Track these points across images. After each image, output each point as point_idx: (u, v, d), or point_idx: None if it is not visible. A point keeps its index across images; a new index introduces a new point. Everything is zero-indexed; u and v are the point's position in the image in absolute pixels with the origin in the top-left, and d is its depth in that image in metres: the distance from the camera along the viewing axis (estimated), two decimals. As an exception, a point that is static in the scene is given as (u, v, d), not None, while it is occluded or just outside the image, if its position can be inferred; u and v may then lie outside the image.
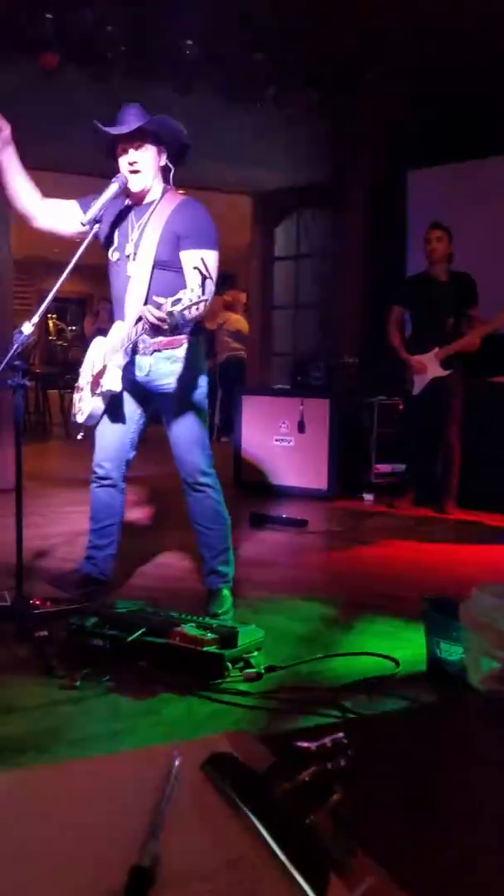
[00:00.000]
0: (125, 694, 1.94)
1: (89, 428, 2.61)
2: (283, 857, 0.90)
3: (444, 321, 4.38)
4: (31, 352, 8.85)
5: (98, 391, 2.51)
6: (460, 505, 4.45)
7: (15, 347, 2.24)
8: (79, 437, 2.68)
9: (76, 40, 4.66)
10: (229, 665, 2.06)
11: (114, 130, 2.41)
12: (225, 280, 9.05)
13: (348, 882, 0.87)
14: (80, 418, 2.60)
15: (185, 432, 2.55)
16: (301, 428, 4.88)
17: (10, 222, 4.97)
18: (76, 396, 2.64)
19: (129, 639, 2.08)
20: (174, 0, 4.46)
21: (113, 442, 2.62)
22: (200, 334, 2.57)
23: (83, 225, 2.42)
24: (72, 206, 2.53)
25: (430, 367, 4.40)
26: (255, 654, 2.18)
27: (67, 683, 1.98)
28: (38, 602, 2.42)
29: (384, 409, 5.02)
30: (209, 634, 2.10)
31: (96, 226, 2.46)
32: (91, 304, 8.13)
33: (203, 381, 2.56)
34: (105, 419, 2.59)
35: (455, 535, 4.01)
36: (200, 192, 7.24)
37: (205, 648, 2.05)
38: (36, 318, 2.31)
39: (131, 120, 2.41)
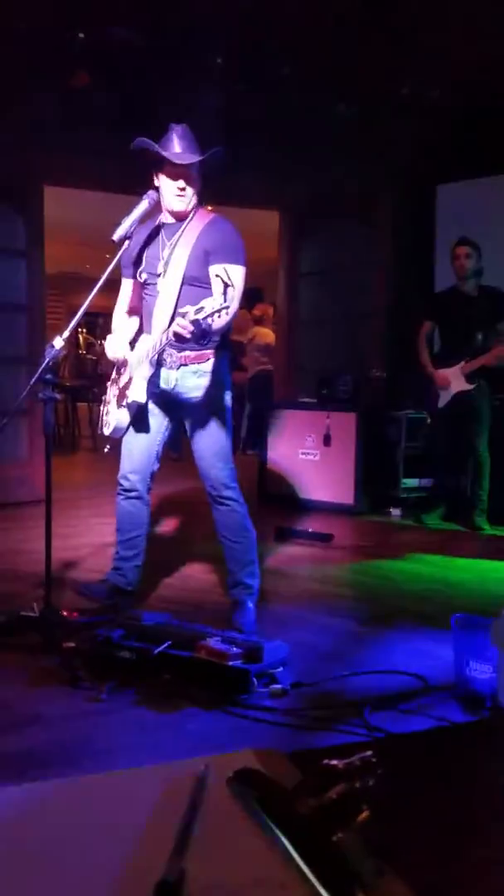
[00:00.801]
0: (151, 707, 1.94)
1: (116, 440, 2.64)
2: (309, 875, 0.88)
3: (473, 336, 4.35)
4: (61, 365, 8.98)
5: (124, 403, 2.55)
6: (491, 520, 4.39)
7: (46, 361, 2.27)
8: (105, 449, 2.72)
9: (105, 58, 4.75)
10: (255, 680, 2.04)
11: (175, 159, 2.46)
12: (254, 295, 9.11)
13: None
14: (106, 430, 2.64)
15: (210, 446, 2.57)
16: (327, 441, 4.87)
17: (44, 241, 5.06)
18: (103, 409, 2.69)
19: (156, 651, 2.08)
20: (201, 14, 4.54)
21: (139, 454, 2.65)
22: (227, 350, 2.59)
23: (112, 242, 2.46)
24: (127, 283, 2.69)
25: (455, 380, 4.37)
26: (281, 669, 2.16)
27: (93, 695, 1.98)
28: (65, 613, 2.44)
29: (412, 423, 4.98)
30: (234, 649, 2.09)
31: (126, 242, 2.49)
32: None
33: (228, 397, 2.58)
34: (131, 431, 2.62)
35: (485, 551, 3.95)
36: (228, 208, 7.32)
37: (230, 663, 2.04)
38: (66, 333, 2.34)
39: (188, 147, 2.49)
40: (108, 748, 1.75)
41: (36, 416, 4.74)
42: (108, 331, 2.76)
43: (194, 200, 2.54)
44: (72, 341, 14.11)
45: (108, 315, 2.83)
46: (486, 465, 4.37)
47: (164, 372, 2.51)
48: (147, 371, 2.49)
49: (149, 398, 2.53)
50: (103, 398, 2.73)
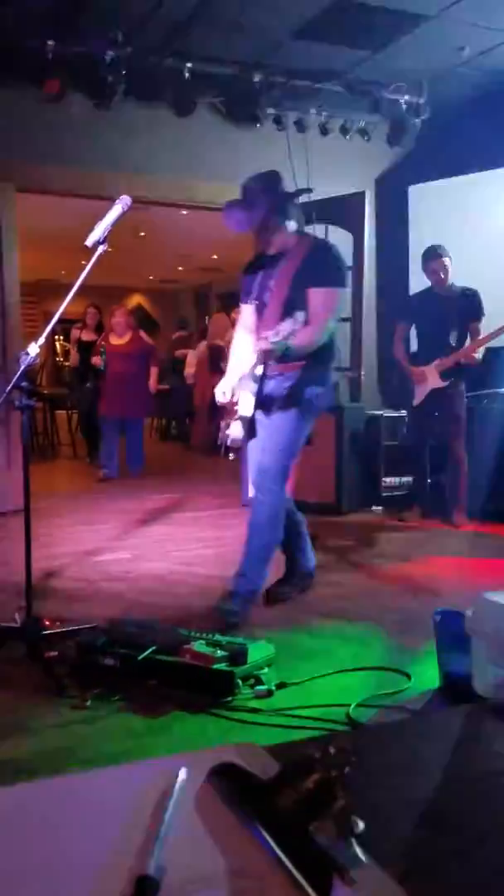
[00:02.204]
0: (136, 713, 1.93)
1: (237, 450, 2.84)
2: (288, 865, 0.89)
3: (448, 335, 4.40)
4: (38, 373, 8.91)
5: (235, 417, 2.78)
6: (469, 517, 4.43)
7: (21, 369, 2.26)
8: (230, 457, 2.89)
9: (76, 65, 4.74)
10: (240, 682, 2.05)
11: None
12: (234, 297, 9.13)
13: (352, 888, 0.87)
14: (228, 442, 2.84)
15: (271, 440, 2.78)
16: (308, 441, 4.87)
17: (16, 248, 5.03)
18: (223, 423, 2.87)
19: (140, 657, 2.08)
20: (172, 23, 4.55)
21: (254, 461, 2.89)
22: (317, 363, 2.78)
23: (87, 248, 2.45)
24: (244, 308, 2.93)
25: (430, 378, 4.42)
26: (266, 670, 2.17)
27: (79, 703, 1.97)
28: (47, 622, 2.42)
29: (391, 422, 5.02)
30: (219, 652, 2.09)
31: (100, 247, 2.49)
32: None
33: (304, 405, 2.77)
34: (251, 442, 2.86)
35: (466, 548, 3.99)
36: (207, 213, 7.29)
37: (215, 666, 2.04)
38: (42, 340, 2.33)
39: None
40: (94, 755, 1.74)
41: (12, 424, 4.71)
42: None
43: (280, 237, 2.75)
44: (49, 349, 14.01)
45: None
46: (463, 462, 4.42)
47: (266, 383, 2.74)
48: (251, 387, 2.71)
49: (255, 409, 2.74)
50: (223, 412, 2.93)
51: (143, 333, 6.82)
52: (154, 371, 6.70)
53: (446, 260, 4.38)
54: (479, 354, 4.41)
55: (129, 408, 6.50)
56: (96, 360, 6.56)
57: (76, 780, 1.39)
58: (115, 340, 6.54)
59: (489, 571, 3.49)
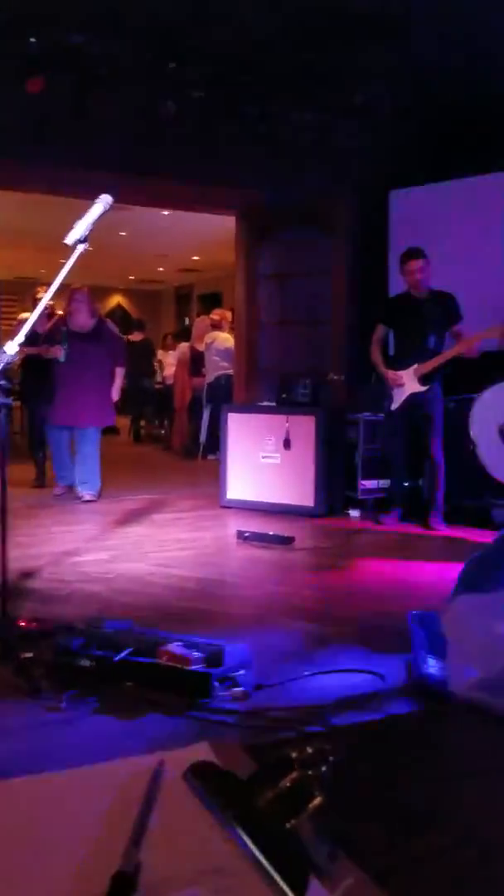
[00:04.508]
0: (112, 714, 1.92)
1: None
2: (264, 862, 0.90)
3: (426, 339, 4.44)
4: (16, 371, 8.60)
5: None
6: (446, 521, 4.48)
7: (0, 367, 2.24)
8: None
9: (60, 63, 4.72)
10: (217, 684, 2.05)
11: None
12: (212, 299, 9.14)
13: (329, 884, 0.87)
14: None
15: None
16: (287, 445, 4.90)
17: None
18: None
19: (116, 659, 2.07)
20: (155, 20, 4.54)
21: None
22: None
23: (66, 246, 2.44)
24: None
25: (408, 382, 4.46)
26: (243, 672, 2.17)
27: (54, 704, 1.96)
28: (23, 623, 2.40)
29: (369, 426, 5.05)
30: (196, 653, 2.09)
31: (80, 246, 2.48)
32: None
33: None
34: None
35: (441, 552, 4.02)
36: (188, 213, 7.28)
37: (191, 668, 2.04)
38: (21, 338, 2.31)
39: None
40: (70, 757, 1.73)
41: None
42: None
43: None
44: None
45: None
46: (441, 466, 4.46)
47: None
48: None
49: None
50: None
51: (110, 323, 5.65)
52: (120, 373, 5.28)
53: (420, 262, 4.40)
54: (475, 353, 4.42)
55: (85, 415, 5.13)
56: (56, 351, 5.05)
57: (52, 778, 1.39)
58: (75, 329, 5.15)
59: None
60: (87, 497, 5.16)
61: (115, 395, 5.27)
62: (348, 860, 0.93)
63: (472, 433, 4.42)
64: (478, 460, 4.39)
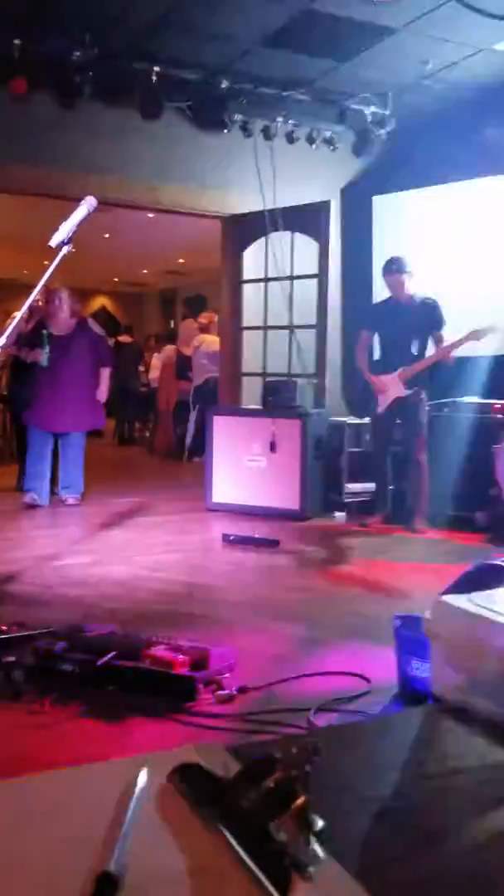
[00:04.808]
0: (95, 718, 1.91)
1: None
2: (248, 862, 0.90)
3: (410, 344, 4.47)
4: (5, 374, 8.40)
5: None
6: (430, 524, 4.50)
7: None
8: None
9: (44, 66, 4.70)
10: (201, 687, 2.04)
11: None
12: (198, 302, 9.12)
13: (312, 885, 0.87)
14: None
15: None
16: (273, 448, 4.90)
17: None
18: None
19: (99, 663, 2.05)
20: (141, 26, 4.54)
21: None
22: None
23: (50, 248, 2.42)
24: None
25: (393, 386, 4.49)
26: (228, 675, 2.16)
27: (36, 709, 1.94)
28: (4, 627, 2.37)
29: (355, 429, 5.07)
30: (180, 656, 2.08)
31: (65, 248, 2.46)
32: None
33: None
34: None
35: (425, 553, 4.04)
36: (172, 216, 7.27)
37: (176, 671, 2.03)
38: (3, 340, 2.29)
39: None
40: (53, 761, 1.71)
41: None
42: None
43: None
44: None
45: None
46: (425, 469, 4.48)
47: None
48: None
49: None
50: None
51: (93, 323, 5.45)
52: (106, 373, 5.12)
53: (403, 276, 4.43)
54: (454, 354, 4.45)
55: (70, 419, 4.94)
56: (36, 355, 4.86)
57: (36, 781, 1.37)
58: (56, 330, 4.94)
59: (448, 576, 3.53)
60: (71, 501, 5.08)
61: (103, 396, 5.12)
62: (331, 860, 0.93)
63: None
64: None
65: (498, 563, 2.31)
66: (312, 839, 0.91)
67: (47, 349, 4.80)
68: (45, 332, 4.93)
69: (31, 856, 0.99)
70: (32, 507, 4.89)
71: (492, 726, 1.70)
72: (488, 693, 1.77)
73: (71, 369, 4.91)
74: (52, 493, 5.16)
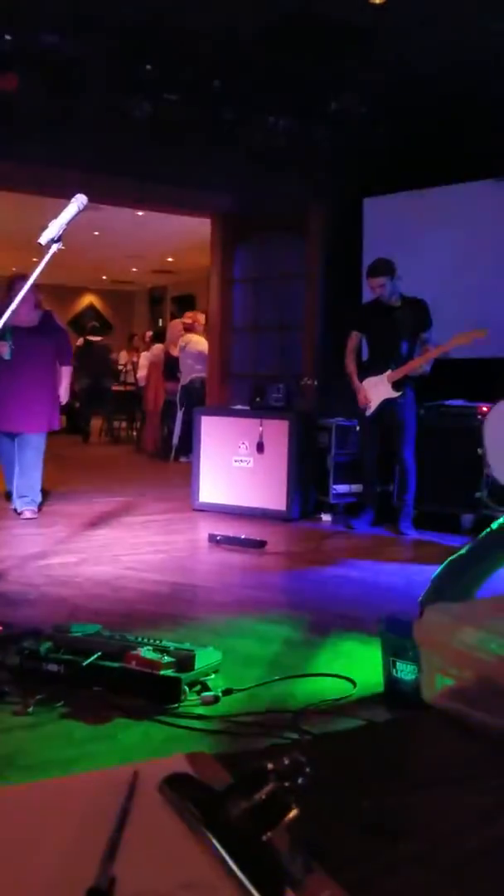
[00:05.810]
0: (80, 719, 1.90)
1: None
2: (240, 876, 0.89)
3: (399, 345, 4.49)
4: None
5: None
6: (416, 526, 4.52)
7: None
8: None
9: (33, 61, 4.67)
10: (186, 689, 2.03)
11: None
12: (186, 302, 9.11)
13: (304, 896, 0.87)
14: None
15: None
16: (260, 449, 4.90)
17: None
18: None
19: (85, 663, 2.04)
20: (131, 24, 4.53)
21: None
22: None
23: (40, 245, 2.41)
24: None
25: (382, 388, 4.50)
26: (213, 676, 2.16)
27: (20, 709, 1.93)
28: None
29: (342, 431, 5.08)
30: (166, 658, 2.07)
31: (54, 246, 2.45)
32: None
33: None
34: None
35: (412, 556, 4.06)
36: (162, 215, 7.25)
37: (161, 672, 2.02)
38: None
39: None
40: (37, 762, 1.70)
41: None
42: None
43: None
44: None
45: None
46: (412, 471, 4.50)
47: None
48: None
49: None
50: None
51: (56, 316, 4.95)
52: (67, 372, 4.74)
53: (382, 279, 4.43)
54: (427, 367, 4.50)
55: (30, 419, 4.55)
56: (0, 348, 4.41)
57: (22, 790, 1.36)
58: (19, 322, 4.35)
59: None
60: (28, 514, 4.52)
61: (64, 396, 4.74)
62: (323, 872, 0.93)
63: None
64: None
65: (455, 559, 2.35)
66: (305, 852, 0.91)
67: (10, 341, 4.37)
68: (9, 326, 4.41)
69: (17, 869, 0.97)
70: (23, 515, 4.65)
71: (482, 734, 1.71)
72: (477, 701, 1.78)
73: (33, 365, 4.49)
74: (7, 499, 4.77)
